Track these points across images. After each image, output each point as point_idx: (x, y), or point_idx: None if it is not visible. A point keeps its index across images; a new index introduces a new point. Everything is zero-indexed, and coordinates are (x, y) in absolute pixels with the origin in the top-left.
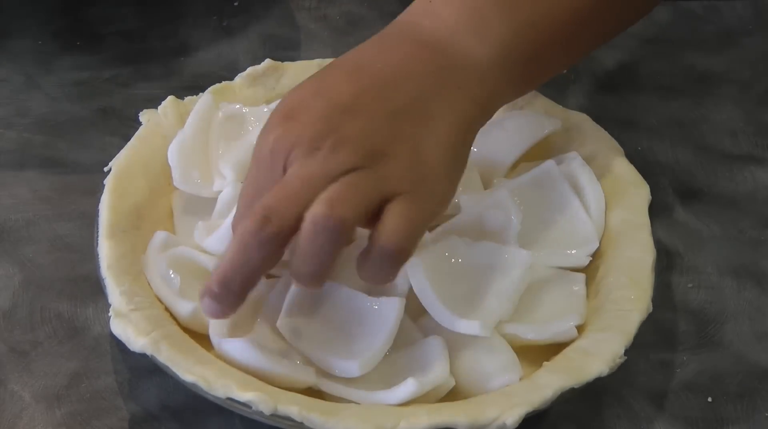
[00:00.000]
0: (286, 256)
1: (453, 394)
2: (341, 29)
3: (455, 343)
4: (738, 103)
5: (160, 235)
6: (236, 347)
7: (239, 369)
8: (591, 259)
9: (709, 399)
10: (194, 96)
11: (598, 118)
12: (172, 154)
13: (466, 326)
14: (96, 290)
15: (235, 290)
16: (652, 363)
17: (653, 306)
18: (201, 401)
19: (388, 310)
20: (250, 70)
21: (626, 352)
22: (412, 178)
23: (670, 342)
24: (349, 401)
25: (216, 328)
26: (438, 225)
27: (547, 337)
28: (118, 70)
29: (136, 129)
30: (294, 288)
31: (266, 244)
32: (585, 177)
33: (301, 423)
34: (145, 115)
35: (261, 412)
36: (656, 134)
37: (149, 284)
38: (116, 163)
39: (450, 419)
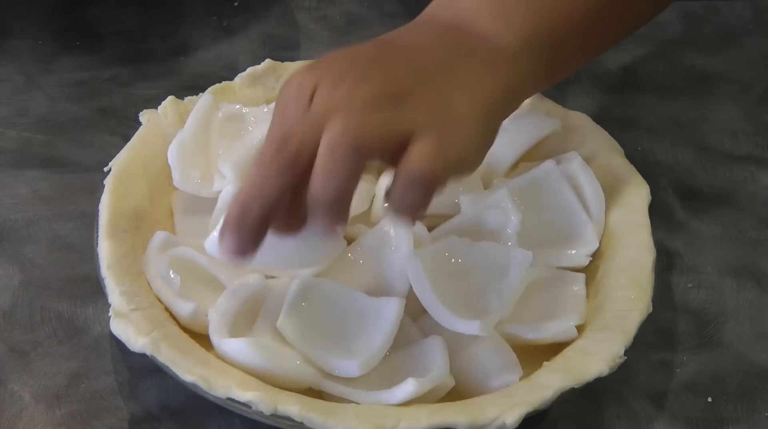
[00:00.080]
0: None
1: (453, 394)
2: (341, 29)
3: (455, 343)
4: (738, 103)
5: (160, 235)
6: (236, 347)
7: (239, 369)
8: (591, 259)
9: (709, 399)
10: (194, 96)
11: (598, 118)
12: (172, 154)
13: (466, 326)
14: (96, 290)
15: (253, 217)
16: (652, 363)
17: (653, 306)
18: (201, 401)
19: (388, 310)
20: (250, 70)
21: (626, 352)
22: (437, 119)
23: (670, 342)
24: (349, 401)
25: (216, 328)
26: (438, 225)
27: (547, 337)
28: (118, 70)
29: (136, 129)
30: (294, 288)
31: (285, 167)
32: (585, 177)
33: (301, 423)
34: (145, 115)
35: (261, 412)
36: (656, 134)
37: (149, 284)
38: (116, 163)
39: (450, 419)
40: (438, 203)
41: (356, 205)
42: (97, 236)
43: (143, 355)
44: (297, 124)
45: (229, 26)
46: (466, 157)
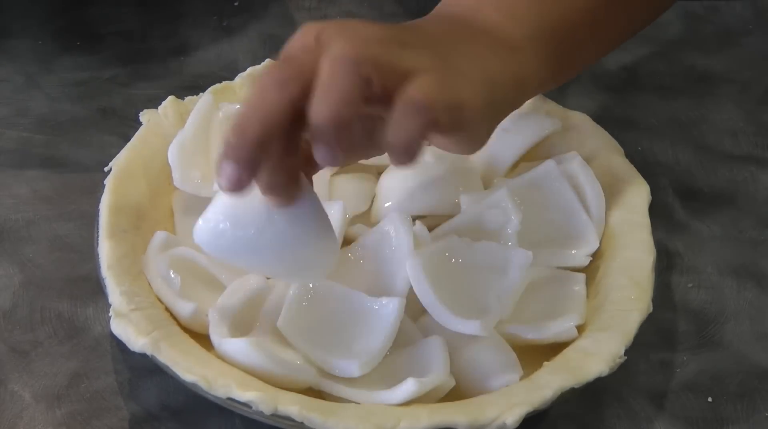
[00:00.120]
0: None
1: (453, 394)
2: None
3: (455, 343)
4: (738, 103)
5: (160, 235)
6: (236, 347)
7: (239, 369)
8: (591, 259)
9: (709, 399)
10: (194, 96)
11: (598, 118)
12: (172, 154)
13: (466, 326)
14: (96, 290)
15: (252, 137)
16: (652, 363)
17: (653, 306)
18: (201, 401)
19: (388, 310)
20: (250, 70)
21: (626, 352)
22: (440, 65)
23: (670, 342)
24: (349, 401)
25: (216, 327)
26: (438, 225)
27: (547, 337)
28: (118, 70)
29: (136, 129)
30: (294, 288)
31: (285, 83)
32: (585, 177)
33: (301, 423)
34: (145, 115)
35: (261, 412)
36: (656, 134)
37: (149, 284)
38: (116, 163)
39: (450, 419)
40: (438, 203)
41: (356, 205)
42: (97, 236)
43: (143, 355)
44: (301, 50)
45: (229, 26)
46: (466, 106)
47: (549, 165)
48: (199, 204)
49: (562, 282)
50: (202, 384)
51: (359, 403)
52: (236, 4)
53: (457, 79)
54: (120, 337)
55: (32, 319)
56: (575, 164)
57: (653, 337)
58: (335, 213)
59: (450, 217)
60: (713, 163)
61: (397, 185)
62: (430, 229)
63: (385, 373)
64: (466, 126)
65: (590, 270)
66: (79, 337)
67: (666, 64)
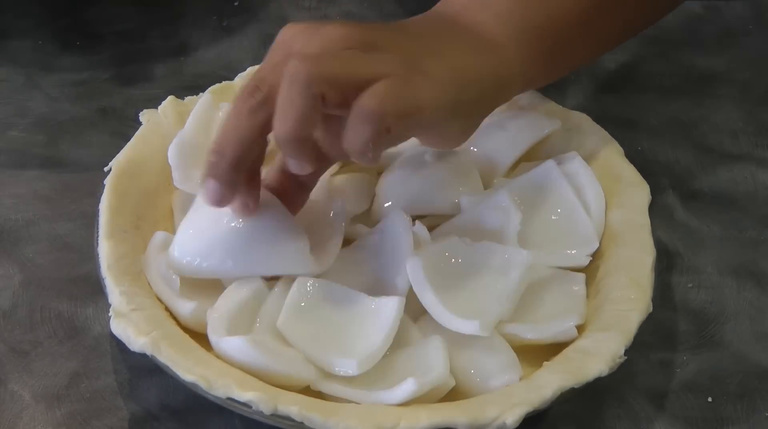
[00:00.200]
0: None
1: (453, 394)
2: None
3: (455, 343)
4: (738, 103)
5: (160, 235)
6: (234, 346)
7: (238, 368)
8: (591, 259)
9: (709, 399)
10: (194, 96)
11: (598, 118)
12: (172, 154)
13: (466, 326)
14: (96, 290)
15: (228, 158)
16: (652, 363)
17: (653, 306)
18: (201, 401)
19: (387, 310)
20: (250, 70)
21: (626, 352)
22: (405, 68)
23: (670, 342)
24: (349, 401)
25: (215, 327)
26: (438, 225)
27: (547, 337)
28: (118, 70)
29: (136, 129)
30: (294, 289)
31: (256, 109)
32: (585, 177)
33: (301, 423)
34: (145, 115)
35: (261, 412)
36: (656, 134)
37: (149, 284)
38: (116, 163)
39: (450, 419)
40: (438, 203)
41: (356, 205)
42: (97, 236)
43: (143, 355)
44: (268, 68)
45: (229, 26)
46: (428, 113)
47: (549, 165)
48: None
49: (562, 282)
50: (202, 384)
51: (359, 403)
52: (236, 4)
53: (419, 82)
54: (120, 337)
55: (32, 319)
56: (575, 164)
57: (653, 337)
58: (337, 209)
59: (450, 217)
60: (713, 163)
61: (397, 185)
62: (430, 229)
63: (384, 372)
64: (429, 127)
65: (590, 270)
66: (79, 337)
67: (666, 64)
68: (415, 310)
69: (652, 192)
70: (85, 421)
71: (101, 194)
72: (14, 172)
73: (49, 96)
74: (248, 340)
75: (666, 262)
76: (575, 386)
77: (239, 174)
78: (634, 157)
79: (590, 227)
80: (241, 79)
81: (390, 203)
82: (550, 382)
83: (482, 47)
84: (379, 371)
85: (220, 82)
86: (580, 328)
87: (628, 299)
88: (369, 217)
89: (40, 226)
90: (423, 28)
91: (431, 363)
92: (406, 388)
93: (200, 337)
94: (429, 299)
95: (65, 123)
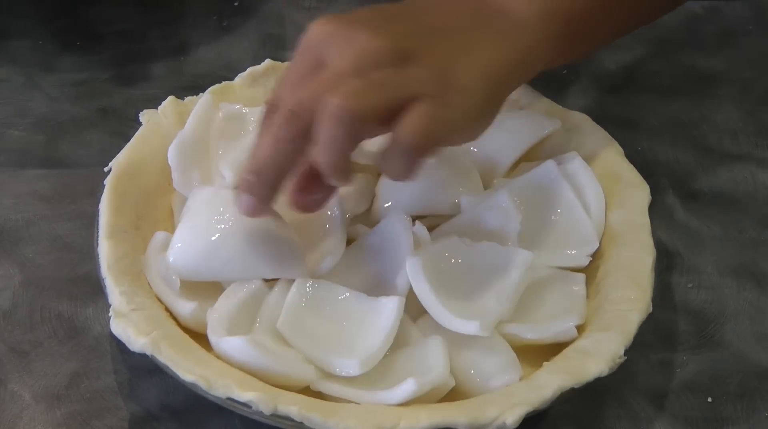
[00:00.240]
0: None
1: (453, 394)
2: None
3: (455, 343)
4: (738, 103)
5: (160, 236)
6: (233, 345)
7: (238, 368)
8: (591, 259)
9: (709, 399)
10: (194, 96)
11: (598, 118)
12: (172, 154)
13: (466, 326)
14: (96, 290)
15: (267, 180)
16: (652, 363)
17: (653, 306)
18: (201, 401)
19: (387, 310)
20: (250, 70)
21: (626, 352)
22: (439, 84)
23: (670, 342)
24: (349, 401)
25: (215, 328)
26: (438, 225)
27: (547, 337)
28: (118, 70)
29: (136, 129)
30: (294, 289)
31: (295, 138)
32: (585, 177)
33: (301, 423)
34: (145, 115)
35: (261, 412)
36: (656, 134)
37: (149, 284)
38: (116, 163)
39: (450, 419)
40: (438, 203)
41: (356, 205)
42: (97, 236)
43: (143, 355)
44: (308, 92)
45: (229, 26)
46: (461, 127)
47: (549, 165)
48: None
49: (562, 282)
50: (202, 384)
51: (359, 403)
52: (236, 4)
53: (453, 99)
54: (120, 337)
55: (32, 319)
56: (575, 164)
57: (653, 337)
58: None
59: (450, 217)
60: (713, 163)
61: (397, 185)
62: (430, 229)
63: (385, 373)
64: (465, 140)
65: (590, 270)
66: (79, 337)
67: (666, 64)
68: (415, 310)
69: (652, 192)
70: (85, 421)
71: (101, 194)
72: (14, 172)
73: (49, 96)
74: (248, 340)
75: (666, 262)
76: (575, 386)
77: (276, 192)
78: (634, 157)
79: (590, 227)
80: (241, 78)
81: (390, 203)
82: (550, 382)
83: (510, 31)
84: (379, 371)
85: (220, 82)
86: (580, 328)
87: (628, 299)
88: (369, 217)
89: (40, 226)
90: (455, 12)
91: (431, 363)
92: (406, 388)
93: (200, 337)
94: (429, 299)
95: (65, 123)
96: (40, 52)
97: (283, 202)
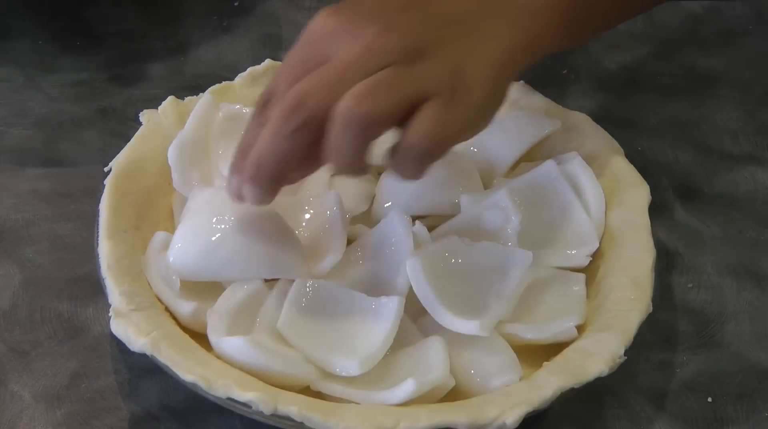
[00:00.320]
0: None
1: (453, 394)
2: None
3: (455, 343)
4: (738, 103)
5: (160, 236)
6: (233, 345)
7: (238, 368)
8: (591, 259)
9: (709, 399)
10: (194, 96)
11: (598, 118)
12: (172, 154)
13: (466, 326)
14: (96, 290)
15: (269, 174)
16: (652, 363)
17: (653, 306)
18: (201, 401)
19: (387, 310)
20: (250, 70)
21: (626, 352)
22: (449, 82)
23: (670, 342)
24: (349, 401)
25: (215, 328)
26: (438, 225)
27: (547, 337)
28: (118, 70)
29: (136, 129)
30: (294, 289)
31: (297, 131)
32: (585, 177)
33: (301, 423)
34: (145, 115)
35: (261, 412)
36: (656, 134)
37: (149, 284)
38: (116, 163)
39: (450, 419)
40: (438, 203)
41: (356, 205)
42: (97, 236)
43: (143, 355)
44: (312, 84)
45: (229, 26)
46: (472, 124)
47: (549, 165)
48: None
49: (562, 282)
50: (202, 384)
51: (359, 403)
52: (236, 4)
53: (462, 98)
54: (120, 337)
55: (32, 319)
56: (575, 164)
57: (653, 337)
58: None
59: (450, 217)
60: (713, 163)
61: (397, 185)
62: (430, 229)
63: (385, 373)
64: (472, 134)
65: (590, 270)
66: (79, 337)
67: (666, 64)
68: (415, 310)
69: (652, 192)
70: (85, 421)
71: (101, 194)
72: (14, 172)
73: (49, 96)
74: (248, 340)
75: (666, 262)
76: (575, 386)
77: (280, 184)
78: (634, 157)
79: (590, 227)
80: (241, 78)
81: (390, 203)
82: (550, 382)
83: (519, 17)
84: (379, 371)
85: (220, 82)
86: (580, 328)
87: (628, 299)
88: (369, 217)
89: (40, 226)
90: (463, 1)
91: (431, 363)
92: (406, 388)
93: (200, 337)
94: (429, 299)
95: (65, 123)
96: (40, 53)
97: (282, 202)
